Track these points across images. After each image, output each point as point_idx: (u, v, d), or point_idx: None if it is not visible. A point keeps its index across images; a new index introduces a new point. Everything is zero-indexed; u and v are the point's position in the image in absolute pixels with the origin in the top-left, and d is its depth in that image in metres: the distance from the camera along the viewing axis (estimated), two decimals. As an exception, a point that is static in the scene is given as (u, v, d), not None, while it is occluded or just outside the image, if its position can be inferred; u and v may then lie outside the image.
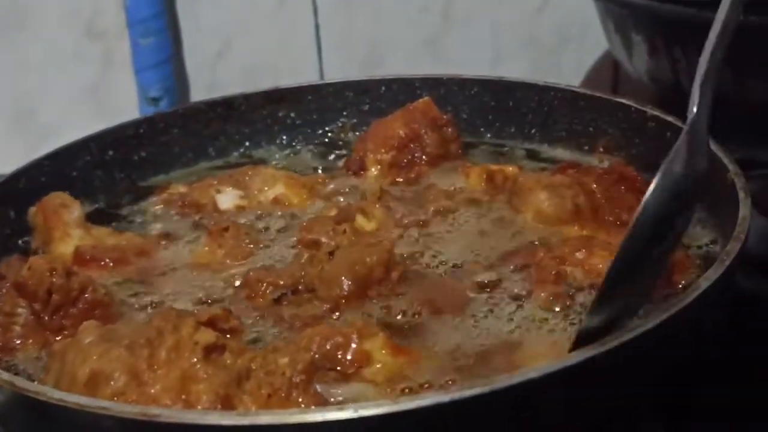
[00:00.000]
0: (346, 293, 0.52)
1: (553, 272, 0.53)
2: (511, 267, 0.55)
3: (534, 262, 0.55)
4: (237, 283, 0.57)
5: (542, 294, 0.52)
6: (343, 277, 0.53)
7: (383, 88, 0.78)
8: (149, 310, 0.55)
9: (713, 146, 0.58)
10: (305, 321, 0.51)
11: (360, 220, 0.60)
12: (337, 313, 0.52)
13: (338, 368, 0.45)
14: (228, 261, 0.60)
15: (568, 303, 0.51)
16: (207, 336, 0.42)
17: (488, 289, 0.54)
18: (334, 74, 1.00)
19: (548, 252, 0.55)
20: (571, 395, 0.41)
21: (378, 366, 0.45)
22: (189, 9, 0.97)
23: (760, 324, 0.67)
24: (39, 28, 0.95)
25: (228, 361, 0.42)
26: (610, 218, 0.60)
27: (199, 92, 0.99)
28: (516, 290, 0.53)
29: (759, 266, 0.70)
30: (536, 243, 0.57)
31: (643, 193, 0.61)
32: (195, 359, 0.42)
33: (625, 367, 0.42)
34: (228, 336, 0.46)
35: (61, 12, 0.95)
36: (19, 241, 0.64)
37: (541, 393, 0.39)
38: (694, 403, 0.58)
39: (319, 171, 0.73)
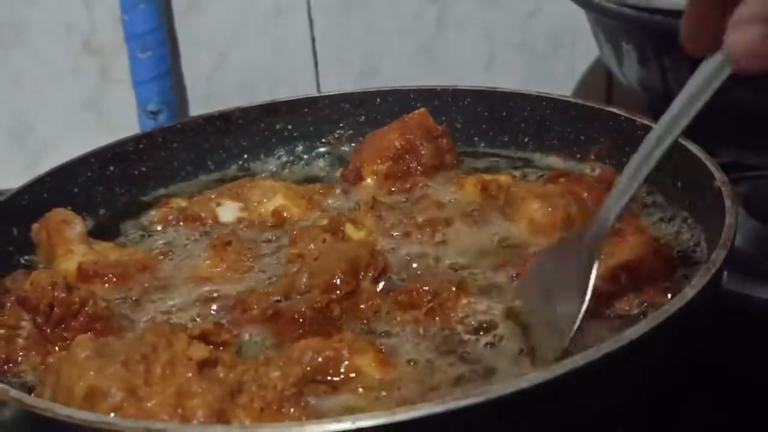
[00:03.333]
0: (339, 279, 0.53)
1: None
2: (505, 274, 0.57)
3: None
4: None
5: None
6: (333, 264, 0.54)
7: (378, 99, 0.79)
8: (149, 323, 0.56)
9: (700, 154, 0.59)
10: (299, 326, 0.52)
11: (349, 229, 0.61)
12: (335, 306, 0.53)
13: (328, 380, 0.46)
14: (229, 275, 0.61)
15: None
16: (200, 351, 0.44)
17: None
18: (331, 84, 1.01)
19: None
20: (562, 403, 0.42)
21: (367, 380, 0.46)
22: (186, 23, 0.98)
23: (749, 325, 0.68)
24: (37, 44, 0.96)
25: (221, 375, 0.44)
26: None
27: (197, 105, 1.01)
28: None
29: (748, 267, 0.71)
30: (530, 251, 0.59)
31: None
32: (189, 374, 0.43)
33: (612, 376, 0.43)
34: (221, 348, 0.47)
35: (58, 27, 0.96)
36: (22, 259, 0.65)
37: (534, 402, 0.40)
38: (681, 408, 0.59)
39: (317, 182, 0.75)
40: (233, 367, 0.44)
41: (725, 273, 0.50)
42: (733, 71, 0.46)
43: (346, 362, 0.47)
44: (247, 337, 0.53)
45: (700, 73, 0.48)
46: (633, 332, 0.42)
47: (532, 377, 0.40)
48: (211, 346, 0.45)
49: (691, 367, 0.54)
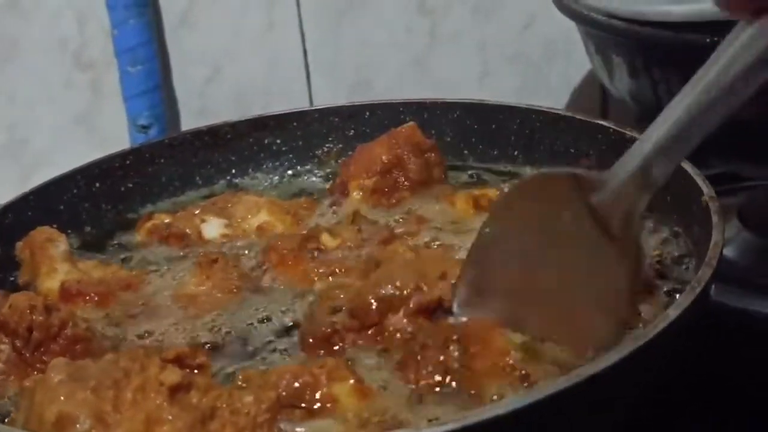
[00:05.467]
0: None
1: None
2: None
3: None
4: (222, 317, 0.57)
5: None
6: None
7: (368, 113, 0.79)
8: (131, 344, 0.55)
9: (689, 168, 0.58)
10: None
11: (325, 238, 0.60)
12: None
13: (303, 405, 0.45)
14: (215, 293, 0.60)
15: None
16: (172, 376, 0.43)
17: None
18: (324, 97, 1.01)
19: None
20: (546, 428, 0.41)
21: (344, 409, 0.45)
22: (177, 37, 0.97)
23: (744, 340, 0.67)
24: (28, 59, 0.96)
25: (194, 400, 0.43)
26: None
27: (189, 118, 1.00)
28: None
29: (743, 281, 0.71)
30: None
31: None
32: (160, 400, 0.42)
33: (595, 400, 0.42)
34: (196, 372, 0.46)
35: (49, 43, 0.96)
36: (10, 277, 0.65)
37: (512, 428, 0.39)
38: (676, 424, 0.58)
39: (306, 196, 0.74)
40: (207, 392, 0.43)
41: (712, 290, 0.49)
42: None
43: (324, 389, 0.45)
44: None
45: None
46: (615, 354, 0.41)
47: (511, 402, 0.39)
48: (188, 370, 0.45)
49: (683, 384, 0.53)
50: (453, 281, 0.51)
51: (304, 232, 0.62)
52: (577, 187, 0.50)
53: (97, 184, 0.73)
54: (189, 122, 1.00)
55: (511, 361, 0.46)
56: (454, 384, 0.47)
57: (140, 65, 0.93)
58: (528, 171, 0.73)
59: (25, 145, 0.99)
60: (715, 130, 0.69)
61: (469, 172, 0.74)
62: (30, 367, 0.53)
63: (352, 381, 0.46)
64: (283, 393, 0.45)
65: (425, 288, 0.51)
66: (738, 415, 0.63)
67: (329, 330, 0.52)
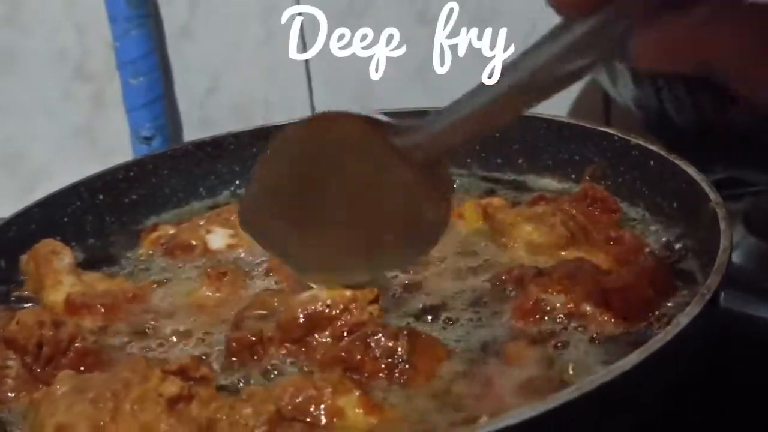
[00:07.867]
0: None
1: (533, 301, 0.53)
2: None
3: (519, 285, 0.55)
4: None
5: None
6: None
7: (370, 122, 0.78)
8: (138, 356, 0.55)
9: (695, 174, 0.58)
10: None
11: None
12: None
13: (308, 420, 0.45)
14: (225, 304, 0.59)
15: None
16: (171, 387, 0.43)
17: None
18: (325, 107, 1.00)
19: (537, 275, 0.54)
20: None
21: (350, 423, 0.45)
22: (179, 48, 0.97)
23: (751, 346, 0.67)
24: (28, 71, 0.96)
25: (194, 412, 0.43)
26: (600, 238, 0.60)
27: (191, 129, 1.00)
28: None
29: (750, 286, 0.70)
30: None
31: (617, 212, 0.63)
32: (158, 411, 0.42)
33: (605, 409, 0.42)
34: (192, 383, 0.45)
35: (50, 54, 0.95)
36: (12, 295, 0.64)
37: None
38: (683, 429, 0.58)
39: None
40: (209, 404, 0.43)
41: (722, 296, 0.49)
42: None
43: (328, 402, 0.45)
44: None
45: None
46: (626, 363, 0.41)
47: (520, 413, 0.39)
48: (191, 382, 0.44)
49: (690, 391, 0.53)
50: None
51: None
52: (374, 127, 0.50)
53: (101, 196, 0.73)
54: (191, 133, 1.00)
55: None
56: (398, 375, 0.47)
57: (142, 77, 0.93)
58: (532, 179, 0.73)
59: (24, 157, 0.99)
60: (720, 136, 0.70)
61: (487, 182, 0.74)
62: (41, 383, 0.52)
63: (357, 393, 0.46)
64: (288, 407, 0.44)
65: (355, 310, 0.51)
66: (746, 421, 0.62)
67: (254, 338, 0.52)
